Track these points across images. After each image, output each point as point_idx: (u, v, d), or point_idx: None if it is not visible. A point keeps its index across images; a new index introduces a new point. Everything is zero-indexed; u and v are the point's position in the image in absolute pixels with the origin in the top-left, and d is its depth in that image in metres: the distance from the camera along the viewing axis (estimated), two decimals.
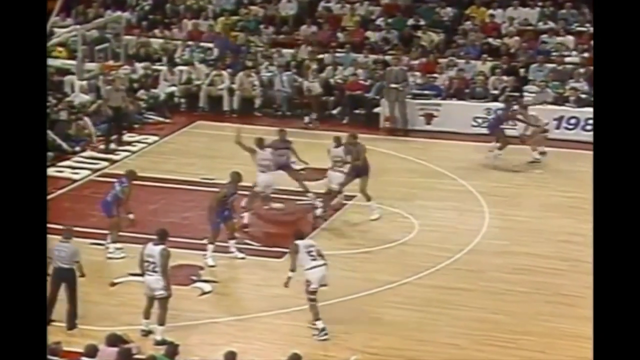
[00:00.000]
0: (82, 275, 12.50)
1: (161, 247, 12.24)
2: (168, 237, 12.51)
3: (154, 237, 12.38)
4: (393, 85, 20.71)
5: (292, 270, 12.61)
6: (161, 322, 12.17)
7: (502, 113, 19.37)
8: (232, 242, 14.66)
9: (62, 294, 12.41)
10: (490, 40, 23.05)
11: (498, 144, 18.72)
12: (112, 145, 19.57)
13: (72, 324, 12.31)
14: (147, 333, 12.28)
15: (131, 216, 14.70)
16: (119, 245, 14.54)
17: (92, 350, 10.42)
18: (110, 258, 14.52)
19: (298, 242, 12.73)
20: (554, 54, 22.41)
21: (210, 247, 14.42)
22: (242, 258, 14.60)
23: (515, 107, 19.37)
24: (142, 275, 12.36)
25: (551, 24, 23.25)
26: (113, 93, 20.07)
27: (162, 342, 11.79)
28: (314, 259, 12.50)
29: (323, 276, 12.51)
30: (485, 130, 19.82)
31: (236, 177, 14.73)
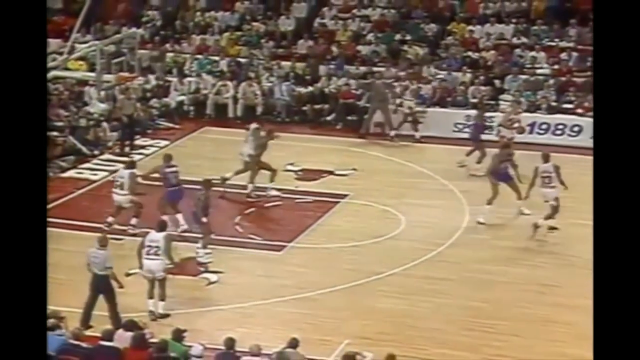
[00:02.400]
0: (121, 287, 12.05)
1: (164, 233, 12.44)
2: (167, 227, 12.78)
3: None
4: (377, 96, 20.61)
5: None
6: (162, 298, 12.38)
7: (479, 120, 18.97)
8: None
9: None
10: (469, 53, 22.97)
11: (478, 154, 17.98)
12: (127, 149, 19.46)
13: (116, 325, 11.61)
14: (152, 313, 12.34)
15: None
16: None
17: (109, 335, 10.31)
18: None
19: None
20: (527, 66, 22.35)
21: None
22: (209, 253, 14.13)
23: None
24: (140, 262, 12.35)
25: (524, 39, 23.19)
26: (126, 102, 20.11)
27: (164, 316, 12.10)
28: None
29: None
30: (465, 135, 19.74)
31: (208, 183, 14.47)
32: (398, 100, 20.54)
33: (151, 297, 12.41)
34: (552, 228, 15.11)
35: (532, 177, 15.15)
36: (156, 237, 12.46)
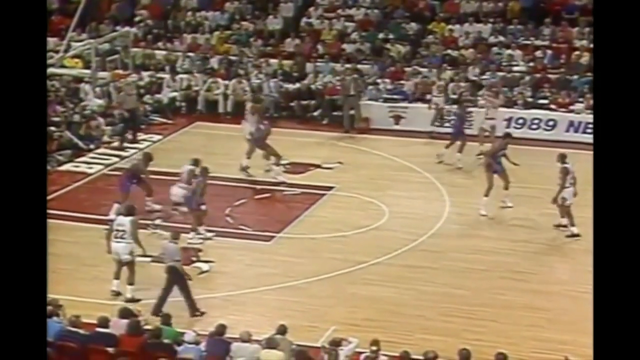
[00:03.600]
0: (188, 278, 12.09)
1: (131, 217, 12.59)
2: (135, 211, 12.87)
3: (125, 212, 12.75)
4: (350, 93, 20.56)
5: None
6: (130, 282, 12.51)
7: (459, 115, 18.93)
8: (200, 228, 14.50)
9: None
10: (449, 51, 22.96)
11: (459, 145, 17.96)
12: (126, 143, 19.39)
13: (193, 313, 11.98)
14: (117, 293, 12.53)
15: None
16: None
17: (104, 322, 10.29)
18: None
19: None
20: (504, 63, 22.37)
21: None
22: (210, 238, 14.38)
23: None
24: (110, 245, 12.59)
25: (501, 38, 23.20)
26: (126, 97, 19.99)
27: (131, 300, 12.18)
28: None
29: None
30: (447, 130, 19.75)
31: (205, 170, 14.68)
32: (428, 96, 20.55)
33: (117, 278, 12.61)
34: (575, 235, 14.34)
35: (561, 179, 14.34)
36: (123, 221, 12.62)
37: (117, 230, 12.61)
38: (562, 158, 14.65)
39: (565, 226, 14.63)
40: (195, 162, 15.20)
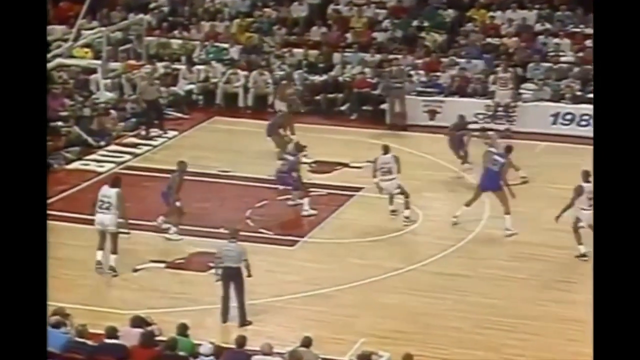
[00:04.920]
0: (249, 275, 12.40)
1: (117, 189, 13.61)
2: (121, 184, 13.83)
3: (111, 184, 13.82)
4: (394, 83, 20.67)
5: None
6: (114, 252, 13.56)
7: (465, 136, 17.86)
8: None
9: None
10: (490, 40, 22.92)
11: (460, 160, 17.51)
12: (153, 133, 19.77)
13: (243, 321, 12.27)
14: (100, 263, 13.43)
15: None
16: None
17: (112, 332, 10.42)
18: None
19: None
20: (551, 53, 22.28)
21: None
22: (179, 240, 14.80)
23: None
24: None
25: (548, 25, 23.12)
26: (148, 87, 20.29)
27: (112, 269, 13.43)
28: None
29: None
30: (486, 125, 19.78)
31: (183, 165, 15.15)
32: (492, 88, 20.48)
33: (101, 249, 13.56)
34: (583, 255, 14.06)
35: (571, 198, 14.04)
36: (109, 192, 13.58)
37: (102, 201, 13.54)
38: (586, 176, 13.87)
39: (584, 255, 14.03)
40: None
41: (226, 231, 13.23)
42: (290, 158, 16.11)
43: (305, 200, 15.88)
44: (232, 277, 12.27)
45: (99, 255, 13.62)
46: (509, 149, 15.75)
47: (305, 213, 15.85)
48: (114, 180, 14.04)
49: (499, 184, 15.10)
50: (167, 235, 14.83)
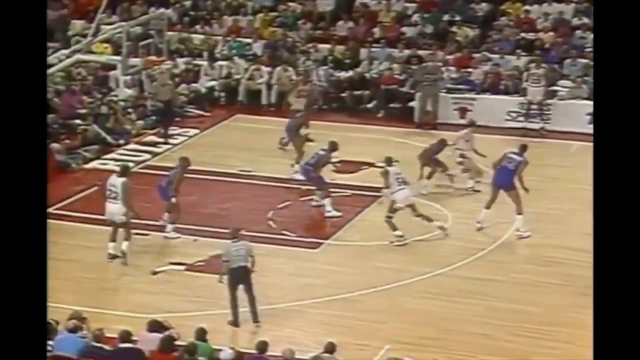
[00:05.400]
0: (252, 271, 12.55)
1: (123, 179, 14.02)
2: (129, 173, 14.46)
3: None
4: (426, 80, 20.71)
5: None
6: (126, 239, 14.06)
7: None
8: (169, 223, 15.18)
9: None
10: (524, 35, 22.86)
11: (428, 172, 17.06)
12: (148, 139, 19.89)
13: (255, 317, 12.42)
14: (113, 256, 13.87)
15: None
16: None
17: (126, 336, 10.51)
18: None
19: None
20: (588, 49, 22.15)
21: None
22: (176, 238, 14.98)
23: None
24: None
25: (585, 20, 23.02)
26: (160, 88, 20.46)
27: (124, 254, 13.90)
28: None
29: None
30: (517, 125, 19.78)
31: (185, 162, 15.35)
32: (524, 85, 20.54)
33: (113, 241, 14.03)
34: None
35: None
36: (116, 181, 14.06)
37: (110, 191, 14.03)
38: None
39: None
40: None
41: (228, 231, 13.44)
42: (321, 153, 16.18)
43: (327, 201, 15.95)
44: (242, 276, 12.35)
45: (111, 247, 14.03)
46: (523, 148, 15.58)
47: (328, 214, 15.93)
48: (122, 170, 14.48)
49: (511, 182, 15.09)
50: (164, 234, 14.99)
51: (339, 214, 15.90)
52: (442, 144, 16.96)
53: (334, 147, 16.35)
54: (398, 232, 14.83)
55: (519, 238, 15.04)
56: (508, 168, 15.17)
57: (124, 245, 14.05)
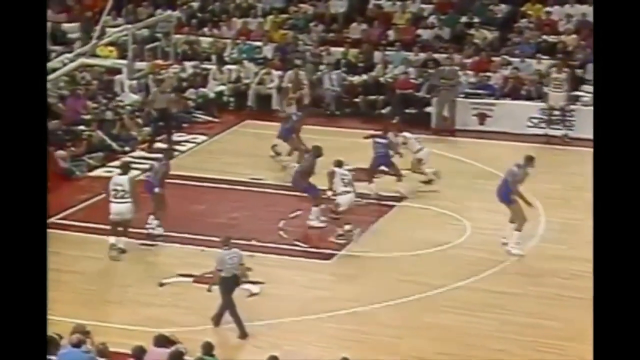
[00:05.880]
0: (246, 280, 12.90)
1: (128, 176, 14.53)
2: (131, 169, 15.15)
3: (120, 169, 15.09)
4: (443, 85, 20.74)
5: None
6: (124, 235, 14.53)
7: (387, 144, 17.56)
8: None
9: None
10: (546, 37, 22.85)
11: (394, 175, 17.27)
12: (156, 145, 19.88)
13: (241, 330, 12.54)
14: (122, 251, 14.44)
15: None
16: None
17: (139, 352, 10.57)
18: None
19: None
20: None
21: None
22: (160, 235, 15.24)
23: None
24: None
25: None
26: (159, 95, 20.54)
27: (122, 251, 14.29)
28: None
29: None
30: (539, 132, 19.77)
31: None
32: (545, 89, 20.59)
33: (115, 235, 14.41)
34: None
35: None
36: (121, 180, 14.39)
37: (116, 190, 14.34)
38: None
39: None
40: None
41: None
42: (306, 157, 16.41)
43: (314, 209, 15.77)
44: (232, 285, 12.52)
45: (113, 239, 14.51)
46: (528, 160, 15.31)
47: (309, 222, 15.76)
48: (123, 166, 14.87)
49: (509, 196, 14.95)
50: (150, 231, 15.16)
51: (322, 225, 15.73)
52: None
53: (318, 152, 16.16)
54: (347, 227, 15.16)
55: (511, 255, 14.85)
56: (507, 181, 15.12)
57: (123, 242, 14.53)
